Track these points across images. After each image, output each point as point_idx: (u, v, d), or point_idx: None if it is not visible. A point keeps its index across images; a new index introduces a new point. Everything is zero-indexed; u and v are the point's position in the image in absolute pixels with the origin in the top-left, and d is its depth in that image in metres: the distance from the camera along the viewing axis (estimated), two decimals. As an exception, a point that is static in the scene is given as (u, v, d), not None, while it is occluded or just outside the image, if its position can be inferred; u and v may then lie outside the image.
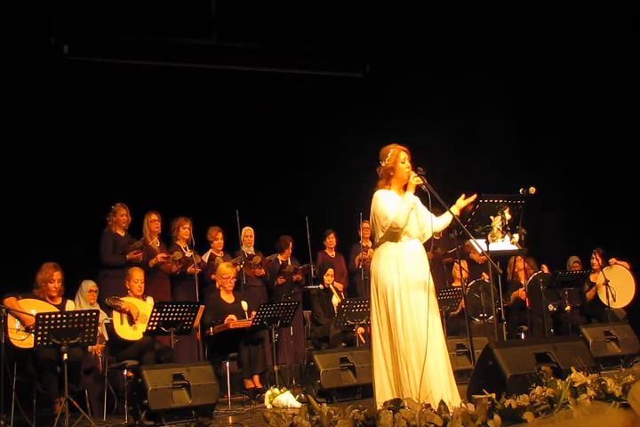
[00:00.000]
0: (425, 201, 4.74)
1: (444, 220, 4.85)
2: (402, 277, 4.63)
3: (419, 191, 4.73)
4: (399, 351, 4.54)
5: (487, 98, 9.90)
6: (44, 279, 6.26)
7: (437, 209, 4.83)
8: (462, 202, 4.96)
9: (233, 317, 7.03)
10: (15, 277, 6.72)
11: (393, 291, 4.62)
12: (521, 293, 8.34)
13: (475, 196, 5.02)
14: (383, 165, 4.80)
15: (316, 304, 7.94)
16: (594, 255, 8.71)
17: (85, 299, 7.29)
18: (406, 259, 4.68)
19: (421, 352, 4.48)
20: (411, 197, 4.72)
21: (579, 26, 9.57)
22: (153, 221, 7.84)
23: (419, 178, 4.69)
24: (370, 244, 9.09)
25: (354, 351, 6.74)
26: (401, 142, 4.87)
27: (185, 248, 7.91)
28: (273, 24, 9.34)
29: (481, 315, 8.07)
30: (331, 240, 9.02)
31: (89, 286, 7.35)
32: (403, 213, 4.65)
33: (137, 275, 6.80)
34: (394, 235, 4.72)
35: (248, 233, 8.53)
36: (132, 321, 6.54)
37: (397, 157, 4.77)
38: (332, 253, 9.05)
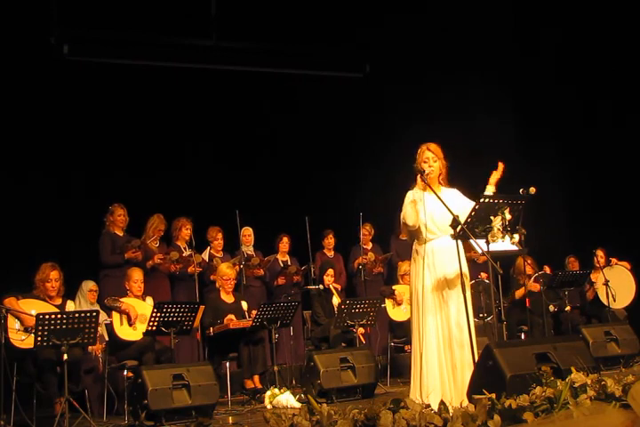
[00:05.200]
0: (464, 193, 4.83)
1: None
2: (432, 276, 4.78)
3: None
4: (429, 350, 4.74)
5: (487, 98, 9.88)
6: (41, 279, 6.24)
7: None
8: (493, 178, 5.08)
9: (232, 316, 7.03)
10: (15, 277, 6.73)
11: (418, 291, 4.77)
12: (531, 285, 8.24)
13: (501, 165, 5.10)
14: None
15: (316, 304, 7.93)
16: (596, 255, 8.67)
17: (85, 299, 7.29)
18: (431, 258, 4.79)
19: (446, 349, 4.72)
20: (416, 193, 4.76)
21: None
22: (159, 231, 7.84)
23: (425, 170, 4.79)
24: (370, 246, 9.09)
25: (354, 351, 6.72)
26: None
27: (184, 248, 7.92)
28: (273, 24, 9.33)
29: (481, 315, 8.06)
30: (329, 241, 8.99)
31: (89, 285, 7.36)
32: (407, 211, 4.71)
33: (136, 275, 6.79)
34: (416, 234, 4.82)
35: (247, 233, 8.53)
36: (130, 322, 6.53)
37: (419, 156, 4.91)
38: (330, 254, 9.02)
